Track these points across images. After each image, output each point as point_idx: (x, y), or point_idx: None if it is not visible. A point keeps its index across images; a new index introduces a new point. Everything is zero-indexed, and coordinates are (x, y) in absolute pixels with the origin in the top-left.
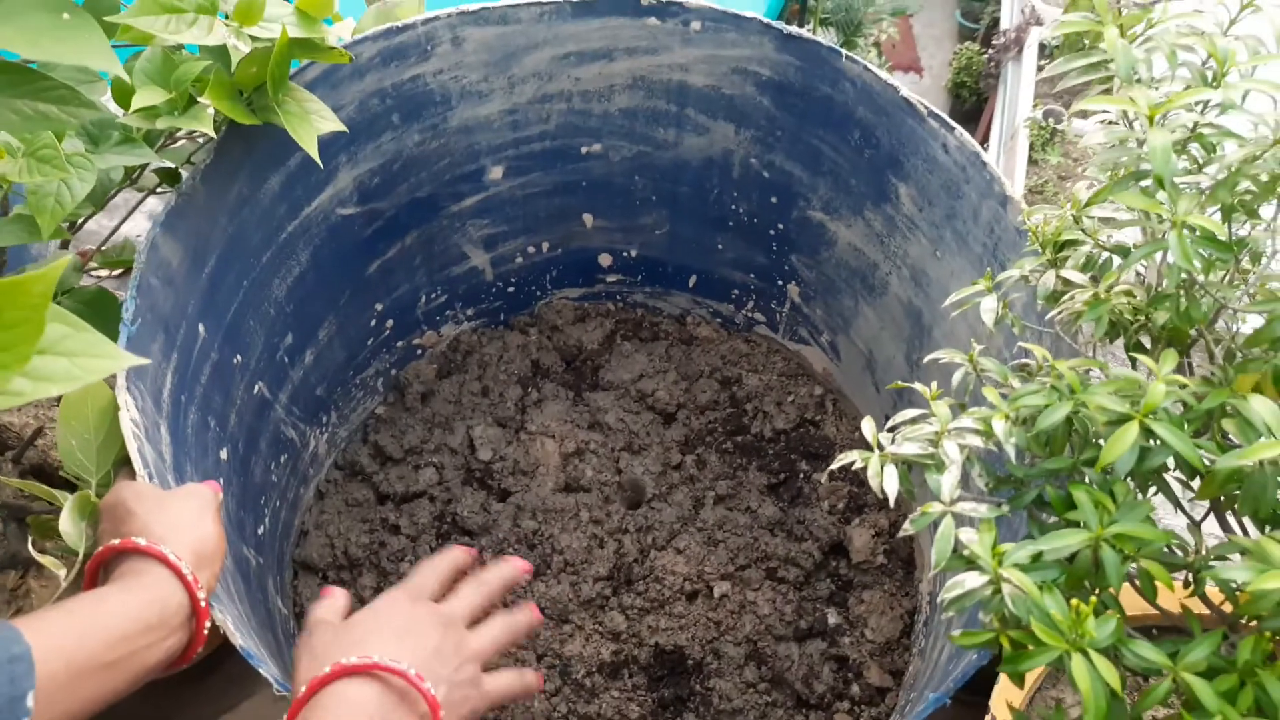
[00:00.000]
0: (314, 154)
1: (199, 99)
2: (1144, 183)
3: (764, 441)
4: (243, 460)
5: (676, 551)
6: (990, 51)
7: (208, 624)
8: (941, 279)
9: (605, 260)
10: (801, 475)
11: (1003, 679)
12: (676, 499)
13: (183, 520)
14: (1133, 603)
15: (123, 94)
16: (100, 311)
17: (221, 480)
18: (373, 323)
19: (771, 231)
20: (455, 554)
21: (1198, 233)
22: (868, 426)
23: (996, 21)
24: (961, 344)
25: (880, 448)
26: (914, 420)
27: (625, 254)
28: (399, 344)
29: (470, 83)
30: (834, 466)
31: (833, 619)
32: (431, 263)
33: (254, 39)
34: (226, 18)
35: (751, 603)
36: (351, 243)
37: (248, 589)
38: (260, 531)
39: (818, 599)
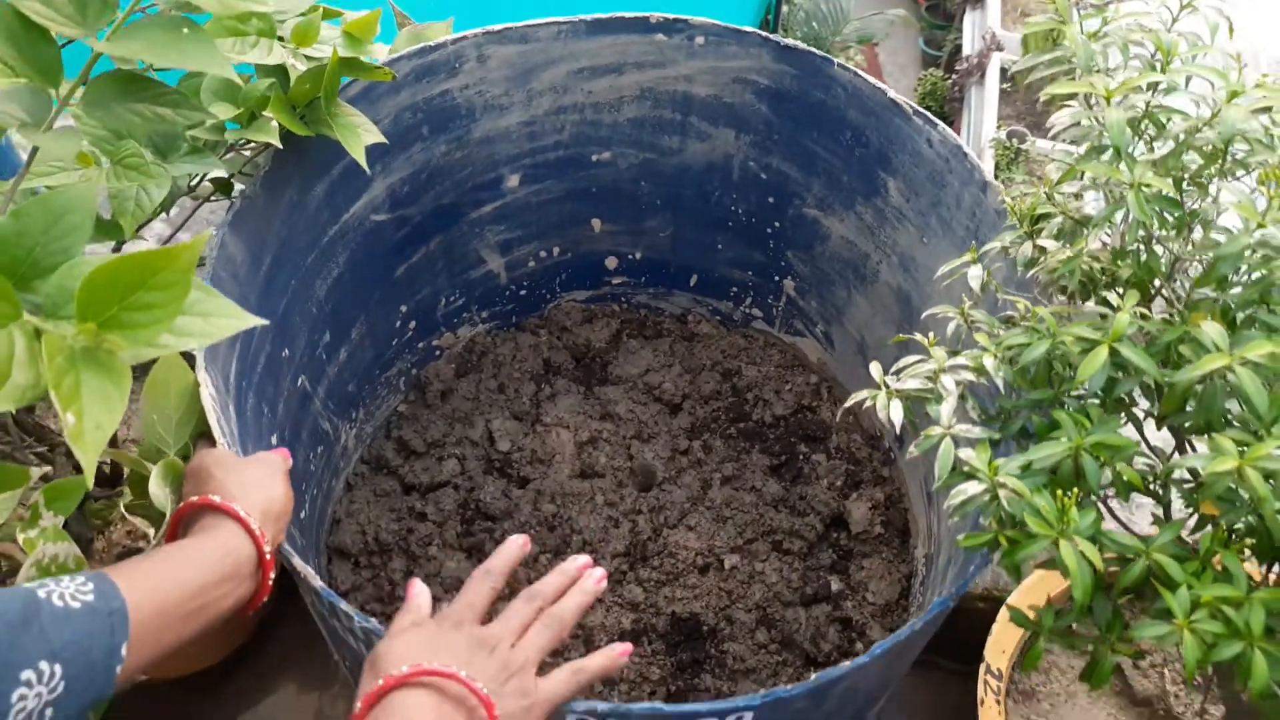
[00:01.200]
0: (363, 162)
1: (261, 114)
2: (1105, 156)
3: (765, 427)
4: (288, 447)
5: (688, 529)
6: (954, 77)
7: (272, 574)
8: (929, 263)
9: (611, 263)
10: (801, 456)
11: (994, 632)
12: (685, 481)
13: (254, 482)
14: None
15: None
16: None
17: None
18: (398, 323)
19: (769, 230)
20: (502, 558)
21: (1153, 193)
22: (875, 369)
23: (959, 48)
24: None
25: (886, 386)
26: (915, 363)
27: (631, 256)
28: (420, 345)
29: (492, 97)
30: (847, 405)
31: (835, 585)
32: (452, 267)
33: (309, 59)
34: (283, 40)
35: (760, 573)
36: (382, 247)
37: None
38: (302, 515)
39: (821, 567)
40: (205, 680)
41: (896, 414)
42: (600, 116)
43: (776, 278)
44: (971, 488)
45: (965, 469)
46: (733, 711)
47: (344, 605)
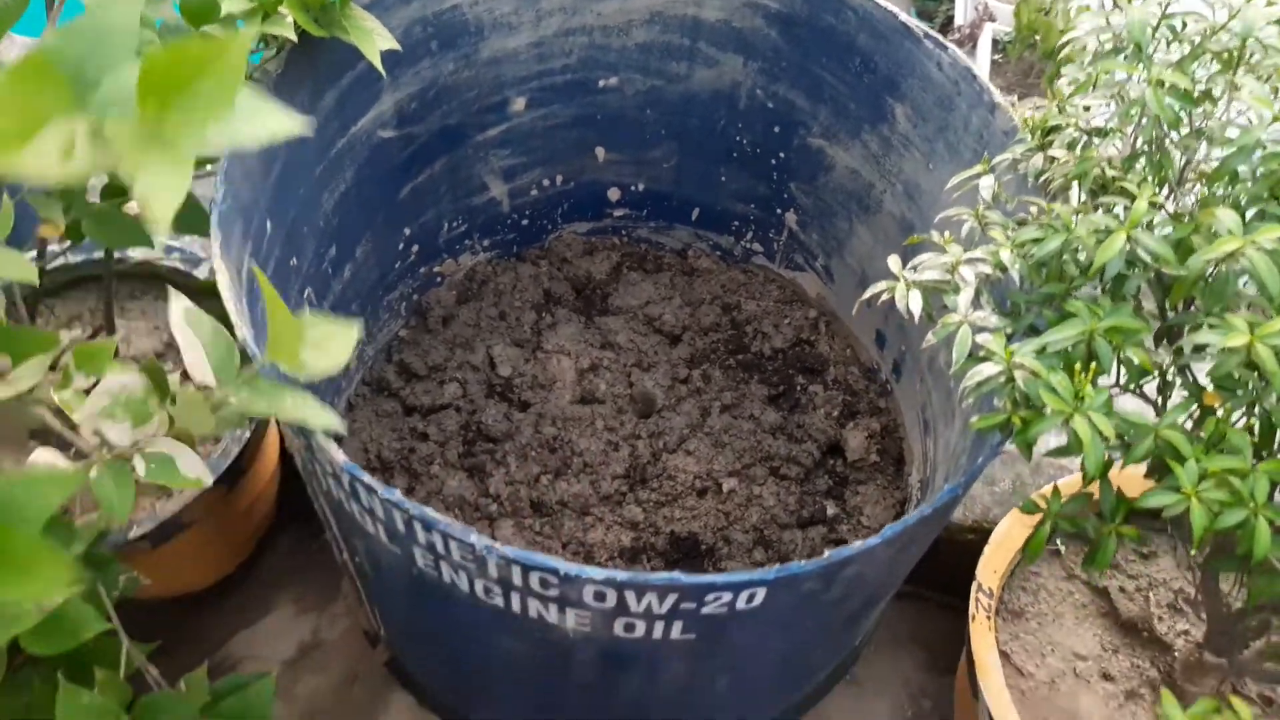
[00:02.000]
0: (379, 65)
1: (277, 10)
2: (1123, 56)
3: (763, 359)
4: None
5: (687, 453)
6: None
7: None
8: (933, 190)
9: (614, 194)
10: (799, 387)
11: (986, 553)
12: (685, 409)
13: None
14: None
15: (191, 13)
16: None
17: None
18: (401, 246)
19: (773, 161)
20: None
21: (1170, 89)
22: (893, 261)
23: (951, 19)
24: None
25: (905, 279)
26: (933, 257)
27: (633, 188)
28: (422, 270)
29: (502, 15)
30: (865, 296)
31: (831, 510)
32: (456, 190)
33: None
34: None
35: (757, 496)
36: (388, 165)
37: None
38: None
39: (817, 492)
40: (203, 598)
41: (915, 303)
42: (609, 40)
43: (779, 210)
44: (988, 369)
45: (982, 354)
46: (747, 586)
47: (367, 478)
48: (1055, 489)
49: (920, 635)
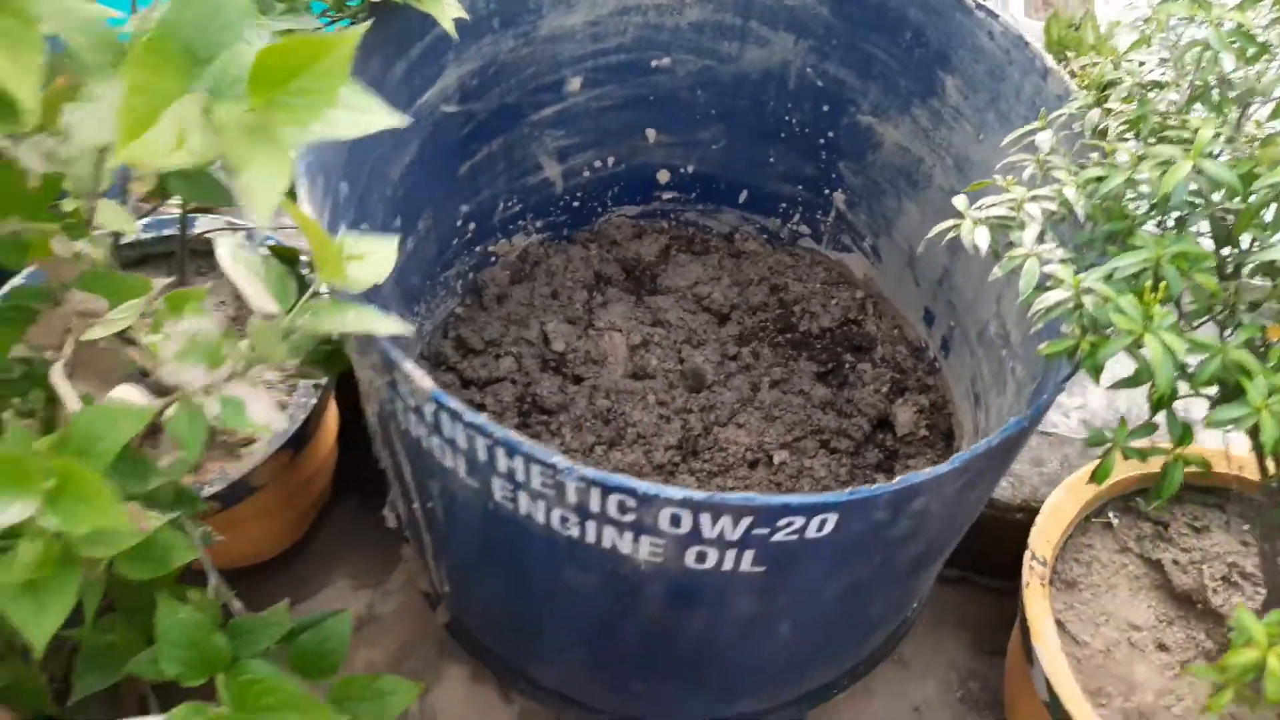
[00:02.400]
0: (451, 30)
1: None
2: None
3: (812, 338)
4: None
5: (738, 426)
6: None
7: None
8: (985, 161)
9: (664, 176)
10: (848, 365)
11: (1039, 523)
12: (735, 384)
13: None
14: None
15: None
16: None
17: None
18: (458, 223)
19: (821, 140)
20: None
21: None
22: (959, 200)
23: None
24: None
25: (971, 217)
26: (997, 197)
27: (682, 170)
28: (478, 249)
29: None
30: (930, 235)
31: (881, 482)
32: (511, 170)
33: None
34: None
35: (808, 468)
36: (450, 141)
37: None
38: None
39: (867, 466)
40: (263, 570)
41: (982, 239)
42: (663, 20)
43: (827, 191)
44: (1057, 295)
45: (1049, 283)
46: (820, 510)
47: (453, 403)
48: (1122, 421)
49: (967, 619)
